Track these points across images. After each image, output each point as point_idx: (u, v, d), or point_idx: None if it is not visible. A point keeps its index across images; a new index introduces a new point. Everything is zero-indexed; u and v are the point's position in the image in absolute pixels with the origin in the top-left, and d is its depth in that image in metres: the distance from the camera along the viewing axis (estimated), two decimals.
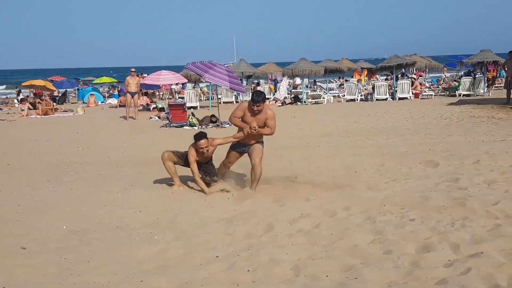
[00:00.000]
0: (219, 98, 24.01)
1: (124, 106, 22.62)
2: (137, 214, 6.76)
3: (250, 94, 28.18)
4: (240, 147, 8.00)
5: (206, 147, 7.49)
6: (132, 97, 20.69)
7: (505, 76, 21.34)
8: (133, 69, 21.14)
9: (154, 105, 25.07)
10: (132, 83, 20.64)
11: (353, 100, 26.40)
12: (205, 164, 7.88)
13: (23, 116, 22.93)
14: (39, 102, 24.92)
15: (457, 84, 26.99)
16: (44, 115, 23.25)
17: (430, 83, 33.53)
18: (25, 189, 8.23)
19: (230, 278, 4.54)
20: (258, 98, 7.58)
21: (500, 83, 28.90)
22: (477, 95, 25.26)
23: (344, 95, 27.65)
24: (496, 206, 6.09)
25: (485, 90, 25.66)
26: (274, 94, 29.20)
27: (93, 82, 42.41)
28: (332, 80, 37.34)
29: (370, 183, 7.82)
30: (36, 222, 6.38)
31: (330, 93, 28.77)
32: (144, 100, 25.82)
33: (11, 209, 6.99)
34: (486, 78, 26.11)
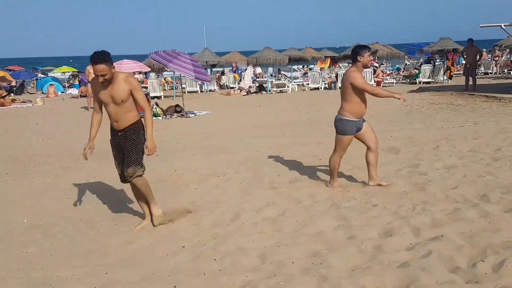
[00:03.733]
0: (184, 88, 23.88)
1: (85, 96, 22.20)
2: (101, 206, 6.72)
3: (215, 83, 28.30)
4: (354, 127, 6.71)
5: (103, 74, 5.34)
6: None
7: (463, 63, 21.82)
8: None
9: None
10: (91, 72, 20.28)
11: (317, 88, 26.59)
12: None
13: None
14: None
15: (417, 72, 27.45)
16: (1, 106, 22.65)
17: (391, 71, 33.99)
18: None
19: (197, 267, 4.57)
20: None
21: (459, 70, 29.53)
22: (436, 82, 25.76)
23: (308, 84, 27.81)
24: (455, 191, 6.28)
25: (444, 77, 26.19)
26: (239, 83, 29.15)
27: (53, 71, 41.49)
28: (296, 69, 37.48)
29: None
30: None
31: (294, 82, 28.92)
32: None
33: None
34: (445, 66, 26.63)
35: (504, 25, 17.44)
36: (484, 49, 32.28)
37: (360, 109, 6.55)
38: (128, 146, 5.62)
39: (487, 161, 7.84)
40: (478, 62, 22.45)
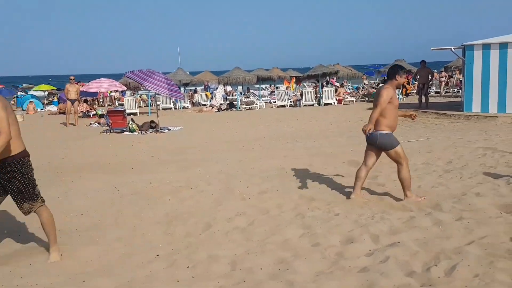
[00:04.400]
0: (158, 105, 23.73)
1: (64, 113, 21.90)
2: (79, 217, 6.58)
3: (188, 101, 28.19)
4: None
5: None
6: (72, 104, 20.06)
7: (416, 83, 22.21)
8: (72, 77, 20.49)
9: (94, 112, 24.41)
10: (72, 90, 20.03)
11: (283, 106, 26.71)
12: None
13: None
14: None
15: (375, 91, 27.79)
16: None
17: (351, 90, 34.36)
18: None
19: (171, 275, 4.52)
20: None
21: (413, 89, 30.10)
22: None
23: (275, 101, 27.94)
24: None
25: (400, 96, 26.63)
26: (210, 101, 29.13)
27: (33, 89, 40.73)
28: (264, 88, 37.61)
29: (300, 179, 7.96)
30: None
31: (262, 100, 28.98)
32: (84, 107, 25.06)
33: None
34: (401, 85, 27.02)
35: (454, 48, 17.92)
36: (435, 70, 32.95)
37: (395, 124, 6.50)
38: (11, 182, 4.72)
39: (439, 173, 8.00)
40: (430, 82, 22.90)
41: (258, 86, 32.74)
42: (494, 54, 15.55)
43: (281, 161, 9.78)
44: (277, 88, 33.68)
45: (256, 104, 26.77)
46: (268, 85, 39.43)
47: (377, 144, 6.46)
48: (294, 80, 34.64)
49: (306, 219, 5.91)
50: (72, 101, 20.08)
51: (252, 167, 9.36)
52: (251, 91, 32.87)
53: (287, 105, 26.73)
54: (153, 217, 6.45)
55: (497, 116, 15.25)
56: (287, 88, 30.74)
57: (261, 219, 6.07)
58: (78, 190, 8.02)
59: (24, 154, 4.85)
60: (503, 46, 15.38)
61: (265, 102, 28.15)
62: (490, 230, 5.11)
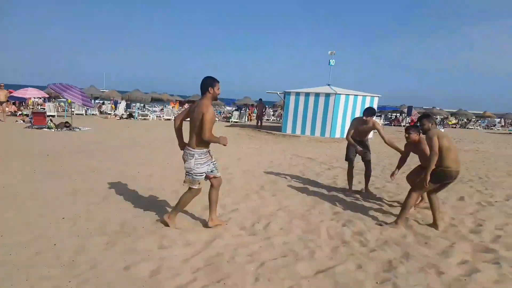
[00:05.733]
0: (73, 111, 21.55)
1: None
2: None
3: (96, 109, 26.08)
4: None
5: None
6: (1, 104, 17.54)
7: (256, 113, 23.17)
8: (1, 84, 17.83)
9: (20, 112, 21.48)
10: (2, 94, 17.52)
11: (169, 119, 26.05)
12: None
13: None
14: None
15: (231, 115, 28.54)
16: None
17: (217, 113, 34.70)
18: None
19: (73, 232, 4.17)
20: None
21: (253, 116, 31.37)
22: (241, 122, 27.02)
23: (163, 116, 27.07)
24: (248, 185, 6.65)
25: (246, 119, 27.61)
26: (114, 111, 27.25)
27: None
28: (156, 105, 36.25)
29: (177, 169, 7.79)
30: None
31: (154, 114, 27.86)
32: (12, 108, 22.00)
33: None
34: (247, 113, 28.12)
35: (279, 93, 19.11)
36: (267, 106, 34.87)
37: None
38: None
39: (265, 168, 8.42)
40: (264, 113, 24.17)
41: (152, 104, 31.79)
42: (302, 98, 16.90)
43: (164, 155, 9.56)
44: (165, 106, 32.72)
45: (150, 116, 25.68)
46: (159, 104, 38.28)
47: None
48: (178, 102, 34.45)
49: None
50: (1, 103, 17.60)
51: (141, 157, 9.01)
52: (146, 107, 31.54)
53: (171, 119, 26.10)
54: (62, 190, 5.89)
55: (300, 136, 16.58)
56: (172, 107, 30.06)
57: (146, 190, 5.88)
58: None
59: None
60: (307, 94, 16.81)
61: (156, 116, 27.07)
62: (291, 202, 5.56)
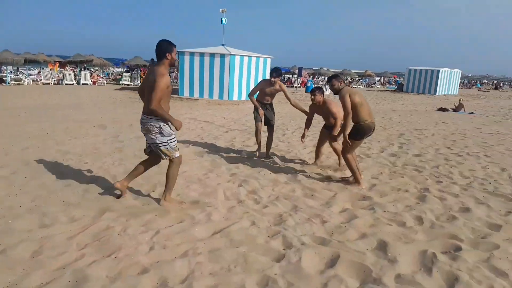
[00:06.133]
0: None
1: None
2: None
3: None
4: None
5: None
6: None
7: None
8: None
9: None
10: None
11: (48, 83, 23.16)
12: None
13: None
14: None
15: (121, 77, 26.59)
16: None
17: (103, 75, 31.96)
18: None
19: None
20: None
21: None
22: (134, 85, 25.45)
23: (41, 79, 23.91)
24: (141, 151, 6.37)
25: (138, 81, 26.05)
26: None
27: None
28: (32, 68, 31.74)
29: (58, 140, 7.10)
30: None
31: (30, 77, 24.41)
32: None
33: None
34: (139, 74, 26.54)
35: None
36: None
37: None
38: None
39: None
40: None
41: (27, 66, 27.82)
42: (196, 59, 16.53)
43: (45, 125, 8.55)
44: (42, 69, 28.83)
45: (24, 80, 22.43)
46: (35, 67, 33.70)
47: None
48: (57, 64, 30.49)
49: (62, 167, 5.35)
50: None
51: (13, 129, 7.93)
52: (20, 70, 27.38)
53: (51, 83, 23.23)
54: None
55: (198, 99, 16.39)
56: (51, 70, 26.57)
57: (23, 169, 5.23)
58: None
59: None
60: (201, 55, 16.47)
61: (32, 80, 23.77)
62: (188, 167, 5.52)
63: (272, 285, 2.64)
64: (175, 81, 30.49)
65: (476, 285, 2.72)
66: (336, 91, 4.81)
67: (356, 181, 4.93)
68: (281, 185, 4.90)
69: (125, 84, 25.04)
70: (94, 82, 24.33)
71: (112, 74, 32.30)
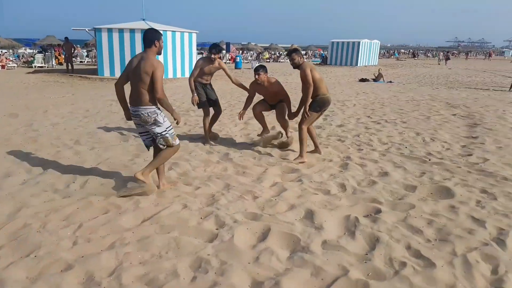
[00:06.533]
0: None
1: None
2: None
3: None
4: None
5: None
6: None
7: (64, 55, 20.14)
8: None
9: None
10: None
11: None
12: None
13: None
14: None
15: (32, 59, 24.06)
16: None
17: (13, 58, 28.66)
18: None
19: None
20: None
21: (62, 59, 27.38)
22: (48, 66, 23.25)
23: None
24: (57, 140, 5.94)
25: (53, 62, 23.88)
26: None
27: None
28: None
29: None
30: None
31: None
32: None
33: None
34: (53, 55, 24.29)
35: (88, 30, 17.04)
36: (79, 45, 30.60)
37: None
38: None
39: (79, 118, 7.67)
40: (74, 53, 21.34)
41: None
42: (115, 35, 15.53)
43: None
44: None
45: None
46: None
47: None
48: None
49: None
50: None
51: None
52: None
53: None
54: None
55: None
56: None
57: None
58: None
59: None
60: (120, 31, 15.50)
61: None
62: (112, 154, 5.28)
63: (205, 266, 2.67)
64: (93, 60, 28.50)
65: (395, 244, 2.99)
66: (296, 65, 4.92)
67: (301, 154, 5.07)
68: (213, 165, 4.89)
69: (38, 67, 22.73)
70: (2, 66, 21.74)
71: (23, 56, 29.10)
